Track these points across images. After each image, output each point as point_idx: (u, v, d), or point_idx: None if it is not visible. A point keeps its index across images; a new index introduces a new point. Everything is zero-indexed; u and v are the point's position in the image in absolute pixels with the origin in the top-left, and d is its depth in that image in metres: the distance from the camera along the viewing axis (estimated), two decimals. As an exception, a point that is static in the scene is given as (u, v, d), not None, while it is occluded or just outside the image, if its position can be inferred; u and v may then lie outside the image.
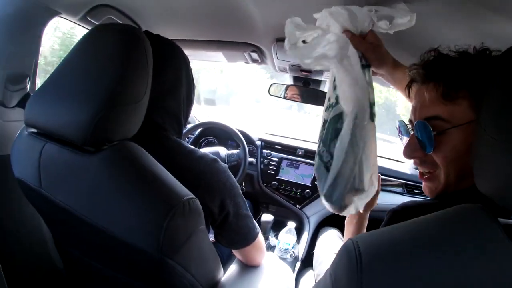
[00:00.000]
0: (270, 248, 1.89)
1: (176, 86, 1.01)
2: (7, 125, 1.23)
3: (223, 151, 1.99)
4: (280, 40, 1.43)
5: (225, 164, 1.02)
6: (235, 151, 2.04)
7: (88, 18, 1.35)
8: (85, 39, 0.84)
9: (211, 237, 1.03)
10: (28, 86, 1.26)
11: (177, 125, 1.04)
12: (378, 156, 2.26)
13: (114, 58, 0.78)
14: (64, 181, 0.83)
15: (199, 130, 2.36)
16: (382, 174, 2.12)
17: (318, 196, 2.12)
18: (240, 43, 1.62)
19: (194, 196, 0.79)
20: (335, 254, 0.57)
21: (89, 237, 0.88)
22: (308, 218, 2.12)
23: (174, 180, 0.79)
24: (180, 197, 0.75)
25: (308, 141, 2.48)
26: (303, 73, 1.76)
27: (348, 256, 0.51)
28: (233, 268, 1.27)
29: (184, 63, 1.05)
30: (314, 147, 2.27)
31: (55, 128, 0.79)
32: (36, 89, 1.21)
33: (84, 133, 0.73)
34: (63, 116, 0.77)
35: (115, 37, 0.81)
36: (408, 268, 0.47)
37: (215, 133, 2.40)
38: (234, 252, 1.19)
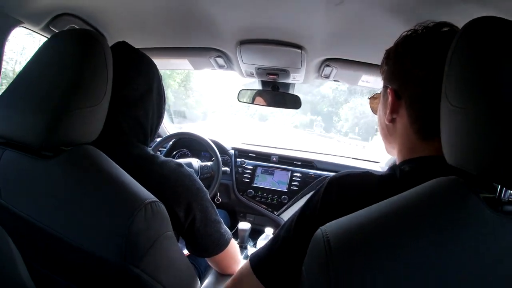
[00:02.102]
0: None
1: (147, 95, 0.99)
2: None
3: (196, 162, 1.95)
4: (244, 42, 1.41)
5: (191, 169, 0.99)
6: (208, 163, 2.00)
7: (50, 27, 1.32)
8: (44, 46, 0.83)
9: (184, 250, 1.00)
10: None
11: (142, 135, 1.01)
12: (353, 158, 2.29)
13: (70, 61, 0.76)
14: (24, 189, 0.80)
15: (170, 142, 2.32)
16: None
17: (295, 201, 2.12)
18: (204, 48, 1.60)
19: (157, 200, 0.75)
20: None
21: (53, 249, 0.83)
22: None
23: (135, 183, 0.76)
24: (142, 200, 0.71)
25: (281, 148, 2.47)
26: (270, 76, 1.74)
27: (317, 247, 0.49)
28: (210, 279, 1.23)
29: (157, 75, 1.05)
30: (288, 153, 2.29)
31: (12, 134, 0.78)
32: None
33: (40, 136, 0.71)
34: (20, 121, 0.75)
35: (72, 40, 0.79)
36: (381, 253, 0.45)
37: (188, 145, 2.36)
38: (208, 260, 1.15)
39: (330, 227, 0.51)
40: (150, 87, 1.00)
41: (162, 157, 0.94)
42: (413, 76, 0.68)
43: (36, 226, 0.77)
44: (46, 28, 1.31)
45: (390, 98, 0.72)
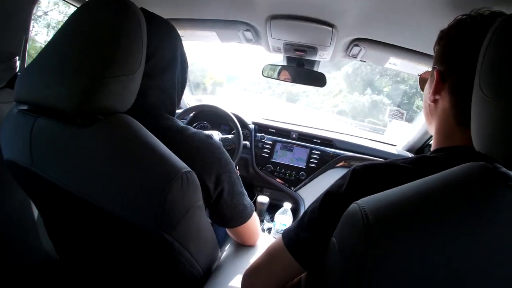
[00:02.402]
0: (266, 230, 1.89)
1: (172, 64, 0.99)
2: None
3: (217, 135, 1.96)
4: (275, 17, 1.41)
5: (219, 141, 1.00)
6: (229, 136, 2.02)
7: None
8: (76, 13, 0.82)
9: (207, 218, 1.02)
10: (18, 66, 1.22)
11: (170, 104, 1.02)
12: (370, 139, 2.30)
13: (106, 29, 0.75)
14: (56, 156, 0.81)
15: (191, 114, 2.33)
16: (369, 155, 2.18)
17: (313, 178, 2.14)
18: (233, 21, 1.60)
19: (191, 170, 0.77)
20: None
21: (83, 216, 0.86)
22: (303, 200, 2.12)
23: (170, 153, 0.77)
24: (178, 170, 0.73)
25: (301, 125, 2.47)
26: (297, 53, 1.74)
27: (354, 219, 0.52)
28: (229, 248, 1.26)
29: (179, 42, 1.04)
30: (307, 130, 2.28)
31: (46, 101, 0.77)
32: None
33: (76, 103, 0.70)
34: (54, 88, 0.74)
35: (107, 9, 0.78)
36: (418, 228, 0.47)
37: (208, 117, 2.37)
38: (229, 231, 1.18)
39: (367, 201, 0.53)
40: (175, 56, 1.00)
41: (192, 129, 0.95)
42: (460, 61, 0.69)
43: (70, 193, 0.79)
44: None
45: (435, 79, 0.73)
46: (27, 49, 1.27)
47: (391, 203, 0.51)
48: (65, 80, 0.73)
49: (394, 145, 2.38)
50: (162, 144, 0.77)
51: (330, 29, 1.38)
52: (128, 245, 0.85)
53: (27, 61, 1.28)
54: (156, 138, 0.78)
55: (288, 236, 0.77)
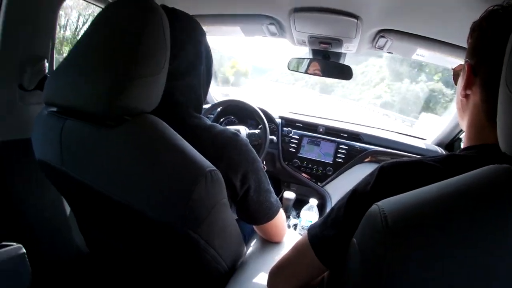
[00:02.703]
0: (292, 226, 1.87)
1: (197, 62, 0.99)
2: (27, 108, 1.24)
3: (244, 130, 1.96)
4: (298, 10, 1.38)
5: (246, 138, 0.99)
6: (256, 131, 2.01)
7: None
8: (101, 15, 0.83)
9: (234, 215, 1.02)
10: (46, 68, 1.26)
11: (197, 101, 1.02)
12: (399, 133, 2.24)
13: (130, 31, 0.76)
14: (85, 157, 0.83)
15: (218, 109, 2.34)
16: (397, 149, 2.11)
17: (340, 174, 2.11)
18: (257, 15, 1.59)
19: (215, 168, 0.77)
20: None
21: (112, 214, 0.88)
22: (330, 196, 2.08)
23: (195, 152, 0.78)
24: (203, 168, 0.74)
25: (329, 119, 2.43)
26: (322, 45, 1.71)
27: (374, 221, 0.50)
28: (255, 245, 1.26)
29: (203, 37, 1.03)
30: (335, 124, 2.25)
31: (74, 103, 0.79)
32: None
33: (104, 104, 0.72)
34: (82, 90, 0.76)
35: (130, 10, 0.79)
36: (437, 233, 0.45)
37: (235, 112, 2.37)
38: (256, 228, 1.18)
39: (387, 203, 0.51)
40: (200, 52, 1.00)
41: (219, 127, 0.95)
42: (491, 54, 0.65)
43: (99, 192, 0.81)
44: None
45: (466, 73, 0.70)
46: (54, 51, 1.30)
47: (412, 206, 0.49)
48: (91, 82, 0.75)
49: (424, 139, 2.30)
50: (188, 143, 0.78)
51: (355, 20, 1.34)
52: (154, 243, 0.87)
53: (55, 63, 1.31)
54: (182, 138, 0.78)
55: (313, 232, 0.76)
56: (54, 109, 0.90)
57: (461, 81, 0.75)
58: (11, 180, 1.26)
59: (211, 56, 1.08)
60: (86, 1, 1.38)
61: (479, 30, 0.70)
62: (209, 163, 0.77)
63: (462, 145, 0.74)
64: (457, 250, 0.44)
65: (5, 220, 1.26)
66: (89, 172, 0.83)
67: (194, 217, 0.73)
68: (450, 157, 0.65)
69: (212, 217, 0.79)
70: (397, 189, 0.55)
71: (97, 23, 0.83)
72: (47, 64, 1.26)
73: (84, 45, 0.83)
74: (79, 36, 0.84)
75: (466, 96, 0.72)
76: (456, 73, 0.84)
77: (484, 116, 0.67)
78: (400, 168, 0.65)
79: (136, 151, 0.75)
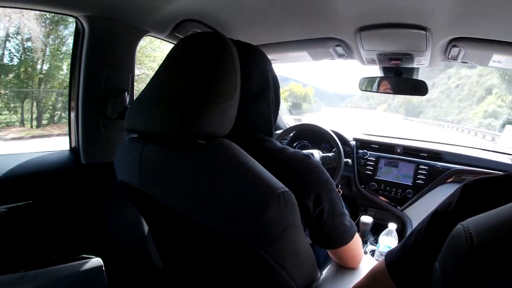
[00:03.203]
0: (369, 253, 1.78)
1: (265, 88, 1.02)
2: (110, 135, 1.39)
3: (317, 153, 1.94)
4: (364, 29, 1.37)
5: (318, 160, 0.98)
6: (330, 154, 1.98)
7: (175, 33, 1.46)
8: (175, 49, 0.91)
9: (308, 239, 1.01)
10: (127, 99, 1.40)
11: (267, 126, 1.04)
12: (483, 149, 2.05)
13: (203, 62, 0.82)
14: (163, 179, 0.89)
15: (291, 134, 2.35)
16: (483, 167, 1.93)
17: (421, 196, 1.98)
18: (323, 38, 1.60)
19: (288, 190, 0.77)
20: None
21: (187, 233, 0.92)
22: (410, 220, 1.94)
23: (268, 174, 0.78)
24: (275, 190, 0.74)
25: (406, 139, 2.32)
26: (393, 62, 1.65)
27: (458, 242, 0.46)
28: (329, 270, 1.22)
29: (269, 64, 1.06)
30: (413, 144, 2.14)
31: (152, 129, 0.87)
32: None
33: (180, 130, 0.77)
34: (159, 117, 0.83)
35: (202, 43, 0.85)
36: None
37: (308, 136, 2.37)
38: (330, 252, 1.14)
39: (472, 222, 0.47)
40: (267, 80, 1.03)
41: (290, 149, 0.96)
42: None
43: (175, 211, 0.86)
44: (171, 35, 1.48)
45: None
46: (134, 84, 1.44)
47: (501, 223, 0.44)
48: (167, 111, 0.81)
49: (510, 154, 2.09)
50: (260, 165, 0.80)
51: (424, 32, 1.29)
52: (228, 263, 0.89)
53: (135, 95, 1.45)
54: (254, 160, 0.80)
55: (391, 257, 0.73)
56: (135, 135, 0.99)
57: None
58: (95, 198, 1.42)
59: (278, 84, 1.10)
60: (161, 39, 1.50)
61: None
62: (281, 184, 0.77)
63: None
64: None
65: (88, 234, 1.39)
66: (165, 193, 0.88)
67: (265, 237, 0.73)
68: None
69: (285, 238, 0.78)
70: (483, 208, 0.50)
71: (171, 56, 0.90)
72: (127, 96, 1.39)
73: (160, 77, 0.90)
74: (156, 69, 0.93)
75: None
76: None
77: None
78: (485, 184, 0.60)
79: (210, 173, 0.79)
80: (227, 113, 0.83)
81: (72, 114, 1.39)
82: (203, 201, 0.79)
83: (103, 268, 0.98)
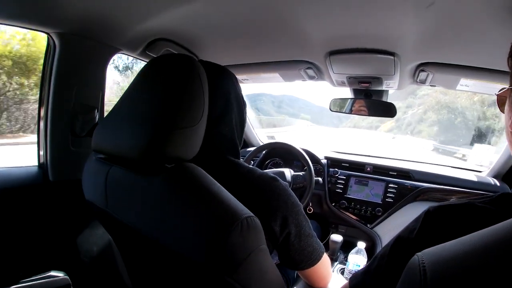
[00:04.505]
0: (339, 271, 1.80)
1: (227, 110, 1.02)
2: (79, 152, 1.37)
3: (289, 172, 1.97)
4: (333, 53, 1.40)
5: (286, 183, 0.99)
6: (301, 173, 2.01)
7: (147, 52, 1.46)
8: (145, 69, 0.90)
9: (276, 259, 1.01)
10: (97, 117, 1.38)
11: (233, 148, 1.04)
12: (453, 167, 2.11)
13: (172, 85, 0.82)
14: (127, 201, 0.88)
15: (263, 152, 2.36)
16: (451, 185, 1.98)
17: (390, 214, 2.02)
18: (295, 61, 1.63)
19: (253, 215, 0.77)
20: None
21: (154, 255, 0.91)
22: (380, 238, 1.98)
23: (233, 199, 0.79)
24: (239, 215, 0.74)
25: (376, 157, 2.37)
26: (363, 84, 1.70)
27: (413, 274, 0.45)
28: (298, 289, 1.23)
29: (232, 84, 1.06)
30: (383, 162, 2.19)
31: (118, 151, 0.85)
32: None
33: (144, 154, 0.77)
34: (125, 140, 0.82)
35: (172, 66, 0.85)
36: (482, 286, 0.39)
37: (280, 154, 2.38)
38: (299, 273, 1.14)
39: (427, 254, 0.46)
40: (229, 101, 1.03)
41: (258, 171, 0.96)
42: None
43: (140, 234, 0.85)
44: (143, 53, 1.48)
45: None
46: (104, 101, 1.43)
47: (456, 256, 0.43)
48: (134, 132, 0.81)
49: (480, 172, 2.16)
50: (225, 190, 0.80)
51: (392, 57, 1.33)
52: (195, 285, 0.87)
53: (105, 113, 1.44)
54: (219, 185, 0.80)
55: (355, 281, 0.74)
56: (102, 155, 0.98)
57: (508, 110, 0.67)
58: (63, 216, 1.39)
59: (243, 102, 1.10)
60: (133, 57, 1.49)
61: None
62: (246, 209, 0.77)
63: None
64: None
65: (56, 253, 1.36)
66: (130, 215, 0.87)
67: (230, 262, 0.73)
68: (503, 196, 0.59)
69: (249, 263, 0.78)
70: (444, 236, 0.49)
71: (141, 77, 0.90)
72: (97, 114, 1.38)
73: (129, 97, 0.90)
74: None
75: None
76: (501, 100, 0.75)
77: None
78: (447, 212, 0.60)
79: (175, 197, 0.78)
80: (194, 137, 0.83)
81: (41, 130, 1.36)
82: (168, 224, 0.79)
83: (71, 287, 0.95)
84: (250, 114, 2.71)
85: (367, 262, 1.60)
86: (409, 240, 0.62)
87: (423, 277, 0.42)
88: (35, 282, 1.13)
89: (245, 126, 1.13)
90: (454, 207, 0.60)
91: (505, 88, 0.70)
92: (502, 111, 0.73)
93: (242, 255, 0.75)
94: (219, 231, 0.71)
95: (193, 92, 0.82)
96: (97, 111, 1.40)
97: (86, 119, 1.36)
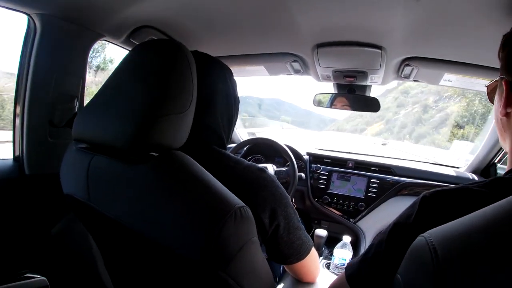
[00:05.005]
0: (325, 265, 1.80)
1: (212, 102, 1.00)
2: (57, 144, 1.31)
3: (271, 168, 1.95)
4: (321, 45, 1.40)
5: (273, 174, 0.97)
6: (283, 168, 2.00)
7: (131, 39, 1.41)
8: (130, 55, 0.86)
9: (264, 255, 0.99)
10: (77, 106, 1.32)
11: (218, 139, 1.02)
12: (432, 163, 2.16)
13: (158, 70, 0.78)
14: (112, 192, 0.84)
15: (245, 148, 2.35)
16: (431, 180, 2.03)
17: (373, 209, 2.04)
18: (281, 54, 1.63)
19: (245, 205, 0.75)
20: None
21: (138, 250, 0.87)
22: (363, 232, 2.00)
23: (224, 188, 0.76)
24: (232, 205, 0.71)
25: (358, 153, 2.40)
26: (348, 79, 1.71)
27: (421, 254, 0.46)
28: (286, 285, 1.21)
29: (220, 76, 1.04)
30: (365, 158, 2.21)
31: (102, 140, 0.81)
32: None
33: (130, 141, 0.73)
34: (109, 127, 0.78)
35: (159, 51, 0.82)
36: (501, 261, 0.40)
37: (262, 150, 2.38)
38: (287, 268, 1.13)
39: (434, 234, 0.46)
40: (215, 92, 1.01)
41: (245, 162, 0.94)
42: None
43: (125, 227, 0.81)
44: (127, 41, 1.43)
45: (504, 91, 0.66)
46: (85, 91, 1.37)
47: (462, 233, 0.44)
48: (119, 119, 0.76)
49: (458, 168, 2.22)
50: (216, 179, 0.77)
51: (378, 51, 1.34)
52: (182, 281, 0.84)
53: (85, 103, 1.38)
54: (210, 174, 0.77)
55: (351, 270, 0.73)
56: (83, 145, 0.93)
57: (498, 99, 0.71)
58: (39, 213, 1.31)
59: (233, 96, 1.07)
60: (115, 44, 1.45)
61: (510, 44, 0.67)
62: (238, 199, 0.75)
63: (505, 170, 0.68)
64: None
65: (32, 252, 1.28)
66: (115, 208, 0.83)
67: (222, 255, 0.70)
68: (496, 180, 0.61)
69: (242, 256, 0.75)
70: (442, 219, 0.50)
71: (125, 63, 0.86)
72: (77, 103, 1.32)
73: (113, 84, 0.85)
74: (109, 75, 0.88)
75: (506, 114, 0.67)
76: (491, 91, 0.80)
77: None
78: (444, 196, 0.61)
79: (162, 187, 0.75)
80: (182, 124, 0.80)
81: (17, 120, 1.27)
82: (156, 217, 0.75)
83: None
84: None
85: (352, 256, 1.61)
86: (407, 225, 0.62)
87: (434, 255, 0.43)
88: (11, 284, 1.08)
89: (235, 122, 1.12)
90: (450, 191, 0.61)
91: (495, 80, 0.75)
92: (492, 102, 0.77)
93: (235, 247, 0.73)
94: (212, 222, 0.69)
95: (181, 77, 0.79)
96: (77, 101, 1.34)
97: (66, 108, 1.30)
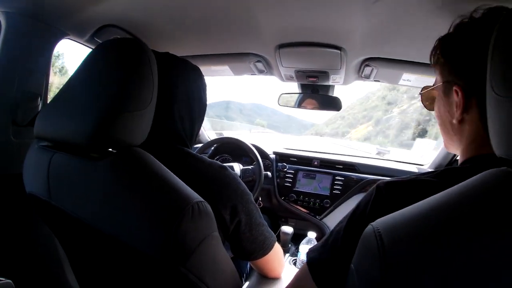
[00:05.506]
0: (292, 262, 1.83)
1: (170, 103, 0.99)
2: (20, 144, 1.27)
3: (237, 166, 1.97)
4: (283, 46, 1.43)
5: (235, 172, 0.99)
6: (249, 167, 2.02)
7: (95, 38, 1.39)
8: (92, 53, 0.86)
9: (229, 253, 1.00)
10: (40, 105, 1.29)
11: (178, 140, 1.02)
12: (396, 161, 2.22)
13: (118, 68, 0.79)
14: (72, 190, 0.83)
15: (212, 148, 2.35)
16: (393, 176, 2.07)
17: (338, 205, 2.09)
18: (245, 54, 1.63)
19: (203, 200, 0.75)
20: None
21: (101, 248, 0.87)
22: (329, 228, 2.04)
23: (182, 184, 0.76)
24: (189, 200, 0.72)
25: (323, 152, 2.45)
26: (310, 79, 1.75)
27: (369, 241, 0.48)
28: (252, 282, 1.23)
29: (184, 77, 1.03)
30: (329, 157, 2.26)
31: (63, 137, 0.80)
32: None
33: (89, 137, 0.73)
34: (70, 124, 0.78)
35: (120, 49, 0.82)
36: (435, 247, 0.43)
37: (229, 150, 2.38)
38: (251, 264, 1.14)
39: (381, 222, 0.49)
40: (173, 95, 1.00)
41: (208, 160, 0.95)
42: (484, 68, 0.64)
43: (86, 225, 0.80)
44: (91, 40, 1.41)
45: (459, 98, 0.66)
46: (48, 89, 1.34)
47: (408, 221, 0.47)
48: (79, 116, 0.77)
49: (421, 165, 2.29)
50: (174, 175, 0.77)
51: (338, 51, 1.38)
52: (146, 278, 0.84)
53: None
54: (169, 170, 0.78)
55: (312, 255, 0.74)
56: (45, 143, 0.92)
57: (443, 105, 0.73)
58: (3, 215, 1.26)
59: (194, 97, 1.06)
60: (80, 43, 1.43)
61: (455, 48, 0.69)
62: (196, 195, 0.75)
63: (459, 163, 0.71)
64: (463, 265, 0.42)
65: None
66: (76, 205, 0.83)
67: (181, 249, 0.71)
68: (447, 170, 0.63)
69: (202, 250, 0.76)
70: (393, 208, 0.52)
71: (87, 61, 0.86)
72: (40, 101, 1.29)
73: (75, 82, 0.85)
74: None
75: (461, 120, 0.68)
76: (428, 97, 0.82)
77: (486, 134, 0.64)
78: (396, 186, 0.63)
79: (122, 184, 0.75)
80: (142, 121, 0.80)
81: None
82: (116, 213, 0.75)
83: None
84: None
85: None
86: (363, 214, 0.64)
87: (379, 242, 0.46)
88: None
89: (199, 124, 1.11)
90: (402, 181, 0.64)
91: (429, 86, 0.79)
92: (428, 108, 0.82)
93: (194, 242, 0.73)
94: (169, 218, 0.69)
95: (141, 74, 0.79)
96: (41, 99, 1.31)
97: (29, 107, 1.26)
